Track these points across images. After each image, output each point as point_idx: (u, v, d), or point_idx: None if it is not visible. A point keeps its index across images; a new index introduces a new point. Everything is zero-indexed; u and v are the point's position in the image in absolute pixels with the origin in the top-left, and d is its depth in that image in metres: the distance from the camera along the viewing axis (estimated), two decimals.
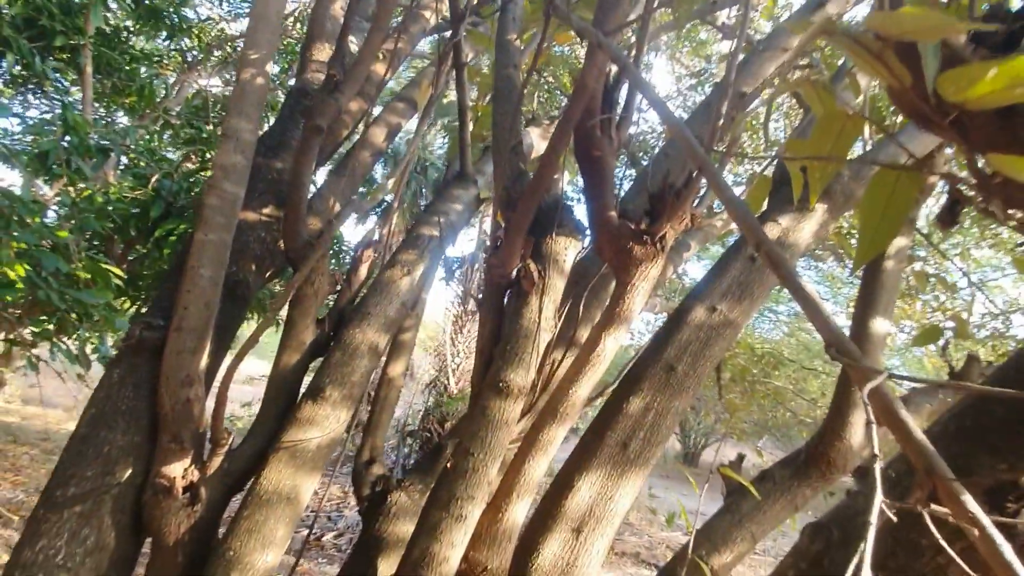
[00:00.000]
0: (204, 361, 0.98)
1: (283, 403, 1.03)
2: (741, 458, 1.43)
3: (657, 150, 1.49)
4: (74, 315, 2.35)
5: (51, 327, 2.42)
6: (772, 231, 1.00)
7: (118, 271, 2.53)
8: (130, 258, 3.48)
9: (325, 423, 0.93)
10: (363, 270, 1.13)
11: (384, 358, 1.28)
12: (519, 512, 0.67)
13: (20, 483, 4.75)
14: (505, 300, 0.71)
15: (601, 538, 0.85)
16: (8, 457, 5.37)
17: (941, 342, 1.35)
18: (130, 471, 0.90)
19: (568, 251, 0.72)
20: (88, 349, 2.63)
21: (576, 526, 0.84)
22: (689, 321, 0.95)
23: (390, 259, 1.13)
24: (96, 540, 0.85)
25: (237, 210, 1.00)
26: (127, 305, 3.30)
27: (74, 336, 2.60)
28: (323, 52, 1.49)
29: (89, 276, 2.35)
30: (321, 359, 1.05)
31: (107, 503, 0.87)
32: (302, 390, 1.03)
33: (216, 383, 1.02)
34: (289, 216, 1.05)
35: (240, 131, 1.01)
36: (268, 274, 1.24)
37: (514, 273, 0.69)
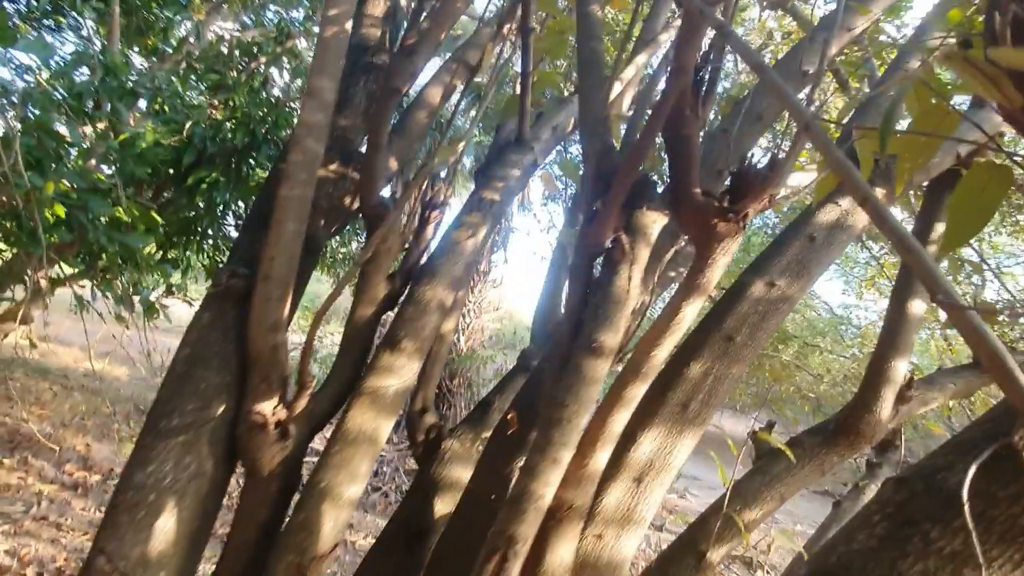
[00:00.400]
0: (287, 309, 1.05)
1: (358, 353, 1.10)
2: (771, 425, 1.52)
3: (715, 125, 1.51)
4: (120, 258, 2.42)
5: (99, 267, 2.48)
6: (832, 213, 1.04)
7: (157, 217, 2.58)
8: (158, 203, 3.52)
9: (401, 372, 1.00)
10: (430, 230, 1.18)
11: None
12: (601, 459, 0.75)
13: (46, 416, 4.92)
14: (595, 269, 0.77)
15: (659, 487, 0.93)
16: (33, 392, 5.54)
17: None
18: (223, 407, 0.98)
19: (655, 225, 0.77)
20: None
21: (637, 476, 0.92)
22: (748, 295, 1.00)
23: (456, 220, 1.17)
24: (197, 467, 0.93)
25: (317, 167, 1.04)
26: (153, 250, 3.37)
27: (119, 279, 2.68)
28: (378, 7, 1.49)
29: (129, 220, 2.40)
30: (393, 313, 1.11)
31: (205, 435, 0.95)
32: (376, 341, 1.09)
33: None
34: (365, 177, 1.09)
35: (322, 90, 1.04)
36: (333, 229, 1.29)
37: (607, 243, 0.74)
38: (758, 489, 1.25)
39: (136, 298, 2.69)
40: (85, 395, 5.76)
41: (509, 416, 1.14)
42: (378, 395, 0.97)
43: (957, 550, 0.49)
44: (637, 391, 0.77)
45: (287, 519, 0.91)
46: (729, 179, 0.80)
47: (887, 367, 1.23)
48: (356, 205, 1.18)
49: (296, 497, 0.96)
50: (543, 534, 0.71)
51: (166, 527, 0.88)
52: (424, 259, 1.17)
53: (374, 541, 1.23)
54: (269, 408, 0.97)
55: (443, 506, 1.24)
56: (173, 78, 3.50)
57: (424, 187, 1.15)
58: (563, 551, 0.71)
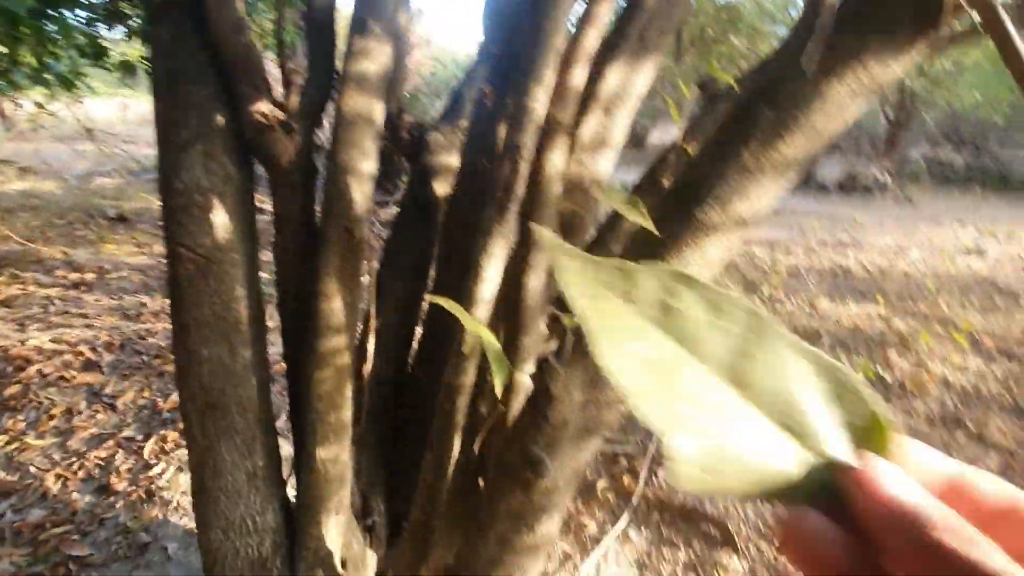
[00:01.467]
0: (242, 5, 1.02)
1: (327, 45, 1.12)
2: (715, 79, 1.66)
3: None
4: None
5: None
6: None
7: None
8: None
9: (375, 55, 1.04)
10: None
11: None
12: (578, 75, 0.87)
13: (7, 235, 4.81)
14: None
15: (625, 114, 1.09)
16: None
17: None
18: (224, 117, 1.05)
19: None
20: None
21: (606, 107, 1.07)
22: None
23: None
24: (224, 172, 1.04)
25: None
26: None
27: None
28: None
29: None
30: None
31: (218, 142, 1.04)
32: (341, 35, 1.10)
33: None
34: None
35: None
36: None
37: None
38: (710, 126, 1.45)
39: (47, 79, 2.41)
40: (30, 214, 5.54)
41: (485, 91, 1.23)
42: (363, 78, 1.03)
43: None
44: (603, 8, 0.85)
45: (324, 197, 1.07)
46: None
47: None
48: None
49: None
50: (540, 146, 0.88)
51: (222, 220, 1.04)
52: None
53: (396, 218, 1.44)
54: (267, 108, 1.04)
55: (441, 188, 1.43)
56: None
57: None
58: (556, 159, 0.89)
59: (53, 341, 3.10)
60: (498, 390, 0.64)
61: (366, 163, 1.06)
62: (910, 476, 0.20)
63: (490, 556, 0.87)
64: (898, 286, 4.85)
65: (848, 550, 0.20)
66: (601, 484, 2.19)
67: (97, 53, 2.76)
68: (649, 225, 0.64)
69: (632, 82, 1.07)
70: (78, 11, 2.84)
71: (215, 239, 1.03)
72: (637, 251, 0.73)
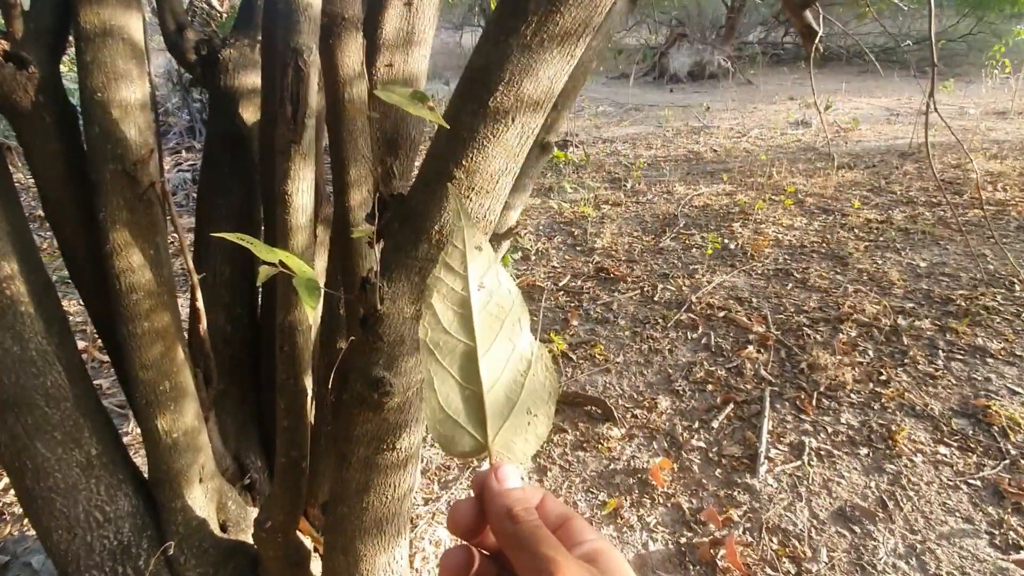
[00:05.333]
0: None
1: None
2: None
3: None
4: None
5: None
6: None
7: None
8: None
9: None
10: None
11: None
12: None
13: None
14: None
15: (430, 6, 1.01)
16: None
17: None
18: None
19: None
20: None
21: (407, 0, 0.98)
22: None
23: None
24: None
25: None
26: None
27: None
28: None
29: None
30: None
31: None
32: None
33: None
34: None
35: None
36: None
37: None
38: None
39: None
40: None
41: None
42: None
43: None
44: None
45: (85, 139, 0.89)
46: None
47: None
48: None
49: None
50: (327, 47, 0.79)
51: None
52: None
53: (205, 152, 1.27)
54: None
55: (250, 114, 1.27)
56: None
57: None
58: (350, 58, 0.80)
59: None
60: (310, 318, 0.60)
61: (130, 90, 0.89)
62: (519, 478, 0.31)
63: (359, 482, 0.87)
64: (740, 163, 5.34)
65: (480, 523, 0.31)
66: None
67: None
68: (438, 119, 0.60)
69: None
70: None
71: None
72: (442, 151, 0.70)
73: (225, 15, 5.78)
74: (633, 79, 10.43)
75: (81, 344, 2.56)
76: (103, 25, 0.85)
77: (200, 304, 1.10)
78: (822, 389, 2.24)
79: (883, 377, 2.28)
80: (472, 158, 0.68)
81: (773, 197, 4.33)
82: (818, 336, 2.56)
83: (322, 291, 0.65)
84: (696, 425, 2.09)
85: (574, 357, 2.52)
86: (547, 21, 0.62)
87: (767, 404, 2.15)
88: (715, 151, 5.91)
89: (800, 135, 6.35)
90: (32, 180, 0.94)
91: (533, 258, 3.53)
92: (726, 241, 3.60)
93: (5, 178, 0.93)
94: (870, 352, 2.44)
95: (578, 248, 3.66)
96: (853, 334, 2.57)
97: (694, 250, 3.55)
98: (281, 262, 0.62)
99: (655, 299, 2.98)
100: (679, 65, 10.52)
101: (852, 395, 2.21)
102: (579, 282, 3.21)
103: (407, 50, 1.00)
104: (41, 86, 0.88)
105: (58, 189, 0.95)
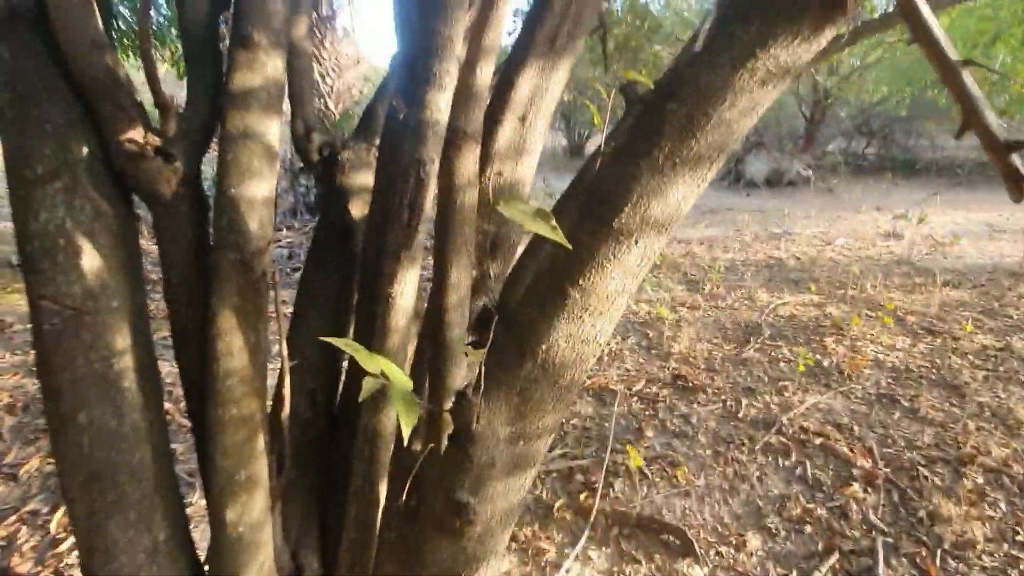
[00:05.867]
0: (100, 21, 0.90)
1: (208, 63, 1.02)
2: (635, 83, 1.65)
3: None
4: None
5: None
6: None
7: None
8: None
9: (263, 67, 0.94)
10: None
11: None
12: (482, 75, 0.81)
13: None
14: None
15: (542, 121, 1.04)
16: None
17: None
18: (85, 146, 0.91)
19: None
20: None
21: (521, 114, 1.01)
22: None
23: None
24: (93, 208, 0.91)
25: None
26: None
27: None
28: None
29: None
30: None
31: (82, 176, 0.90)
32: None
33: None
34: None
35: None
36: None
37: None
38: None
39: None
40: None
41: (394, 102, 1.15)
42: (248, 95, 0.93)
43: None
44: (502, 9, 0.80)
45: (214, 228, 0.95)
46: None
47: None
48: None
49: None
50: (447, 158, 0.81)
51: (94, 263, 0.90)
52: None
53: (313, 241, 1.33)
54: (139, 135, 0.92)
55: (358, 210, 1.33)
56: None
57: None
58: (467, 169, 0.82)
59: None
60: (405, 433, 0.55)
61: (260, 187, 0.95)
62: None
63: None
64: (827, 273, 5.09)
65: None
66: (558, 504, 2.12)
67: None
68: (560, 239, 0.57)
69: (545, 88, 1.02)
70: None
71: (86, 286, 0.89)
72: (557, 268, 0.67)
73: (338, 116, 6.51)
74: (709, 182, 10.53)
75: (166, 404, 2.67)
76: (245, 128, 0.93)
77: (287, 391, 1.09)
78: (947, 546, 1.89)
79: (1020, 537, 1.91)
80: (589, 277, 0.64)
81: (868, 312, 4.03)
82: (936, 479, 2.22)
83: (423, 409, 0.61)
84: (795, 575, 1.80)
85: (650, 473, 2.32)
86: (681, 145, 0.60)
87: (880, 558, 1.83)
88: (798, 259, 5.69)
89: (891, 247, 6.01)
90: (152, 246, 0.99)
91: (606, 358, 3.41)
92: (818, 357, 3.33)
93: (135, 254, 1.00)
94: (1002, 505, 2.08)
95: (653, 351, 3.51)
96: (980, 480, 2.21)
97: (782, 364, 3.30)
98: (383, 372, 0.59)
99: (739, 416, 2.74)
100: (756, 171, 10.55)
101: (984, 557, 1.85)
102: (654, 388, 3.04)
103: (517, 159, 1.02)
104: (183, 179, 0.96)
105: (182, 273, 1.00)
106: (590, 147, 13.41)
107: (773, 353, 3.45)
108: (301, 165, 5.90)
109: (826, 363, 3.28)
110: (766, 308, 4.21)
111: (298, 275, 1.42)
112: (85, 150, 0.91)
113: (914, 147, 12.17)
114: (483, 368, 0.70)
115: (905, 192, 9.52)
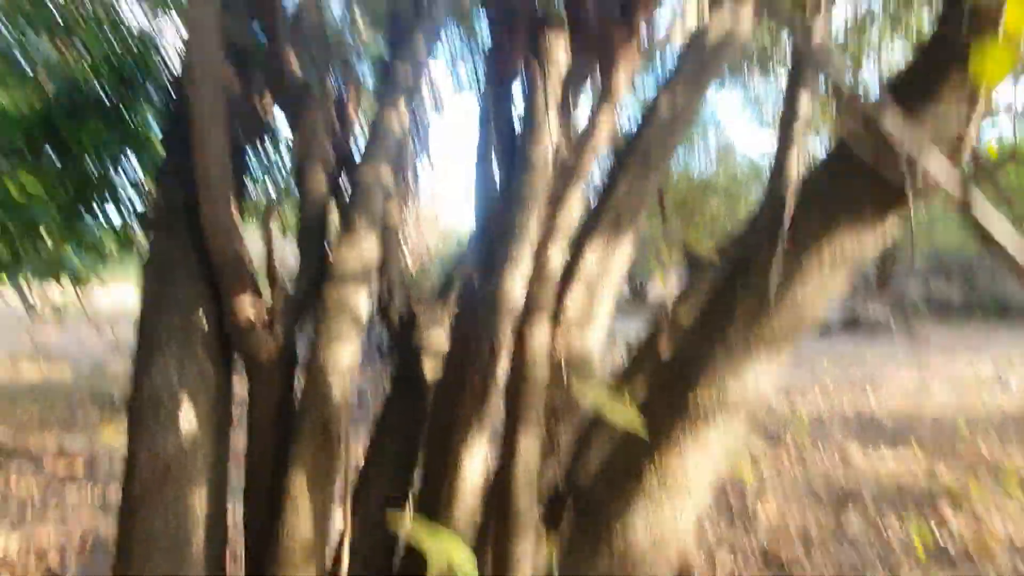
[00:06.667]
0: (236, 214, 1.08)
1: (314, 244, 1.17)
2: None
3: None
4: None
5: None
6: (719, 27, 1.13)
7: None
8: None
9: (360, 247, 1.08)
10: (352, 111, 1.20)
11: None
12: (555, 257, 0.88)
13: None
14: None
15: (608, 290, 1.09)
16: None
17: None
18: (204, 316, 1.04)
19: (559, 41, 0.84)
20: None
21: (589, 284, 1.07)
22: (655, 111, 1.11)
23: (379, 101, 1.20)
24: (199, 371, 1.01)
25: (220, 60, 1.03)
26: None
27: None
28: None
29: (23, 194, 2.21)
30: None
31: (197, 343, 1.02)
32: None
33: None
34: (276, 62, 1.09)
35: None
36: (253, 135, 1.29)
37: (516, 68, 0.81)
38: (696, 298, 1.45)
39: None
40: (33, 402, 5.52)
41: (473, 277, 1.25)
42: (345, 272, 1.05)
43: None
44: (575, 192, 0.89)
45: (299, 395, 1.01)
46: None
47: None
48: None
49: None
50: (520, 332, 0.85)
51: (190, 422, 0.97)
52: (352, 142, 1.20)
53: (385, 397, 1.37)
54: (251, 309, 1.04)
55: (431, 369, 1.38)
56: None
57: (341, 69, 1.16)
58: (539, 342, 0.85)
59: (18, 547, 2.82)
60: None
61: (347, 356, 1.02)
62: None
63: None
64: (929, 429, 4.56)
65: None
66: None
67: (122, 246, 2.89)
68: (637, 428, 0.57)
69: (611, 260, 1.08)
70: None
71: (179, 442, 0.95)
72: (632, 446, 0.65)
73: (415, 272, 7.04)
74: None
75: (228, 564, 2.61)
76: (339, 299, 1.04)
77: (346, 556, 1.06)
78: None
79: None
80: (667, 457, 0.62)
81: (988, 478, 3.50)
82: None
83: None
84: None
85: None
86: (757, 325, 0.61)
87: None
88: (891, 410, 5.18)
89: (1001, 399, 5.38)
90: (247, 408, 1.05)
91: None
92: (937, 533, 2.86)
93: (227, 412, 1.07)
94: None
95: (736, 519, 3.15)
96: None
97: (893, 539, 2.84)
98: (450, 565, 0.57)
99: None
100: (830, 314, 10.17)
101: None
102: (745, 572, 2.65)
103: (585, 328, 1.05)
104: (281, 346, 1.05)
105: (265, 431, 1.06)
106: (653, 293, 13.62)
107: (880, 524, 2.99)
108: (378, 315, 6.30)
109: (949, 544, 2.80)
110: (862, 469, 3.76)
111: (364, 426, 1.44)
112: (204, 320, 1.04)
113: (1002, 290, 11.45)
114: (555, 553, 0.66)
115: (1000, 336, 8.76)
